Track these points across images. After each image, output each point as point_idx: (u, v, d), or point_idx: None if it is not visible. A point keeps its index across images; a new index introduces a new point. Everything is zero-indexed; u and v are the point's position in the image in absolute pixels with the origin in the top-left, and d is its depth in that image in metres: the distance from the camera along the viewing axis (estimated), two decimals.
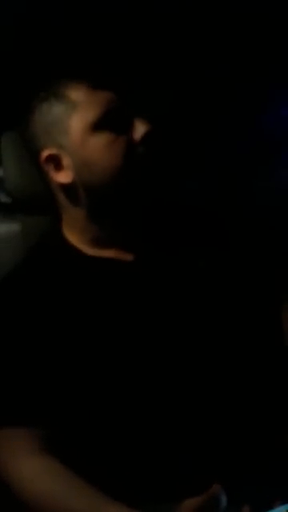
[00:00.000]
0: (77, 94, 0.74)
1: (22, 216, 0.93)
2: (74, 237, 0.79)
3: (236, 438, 0.73)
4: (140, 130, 0.74)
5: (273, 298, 0.82)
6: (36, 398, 0.71)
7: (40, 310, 0.74)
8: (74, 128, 0.73)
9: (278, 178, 1.09)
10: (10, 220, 0.94)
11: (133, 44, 0.95)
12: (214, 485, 0.62)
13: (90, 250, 0.78)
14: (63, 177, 0.75)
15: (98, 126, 0.73)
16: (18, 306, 0.75)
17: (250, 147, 1.09)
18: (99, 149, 0.73)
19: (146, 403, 0.72)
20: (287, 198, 1.05)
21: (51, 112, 0.74)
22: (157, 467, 0.71)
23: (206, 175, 1.07)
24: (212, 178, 1.07)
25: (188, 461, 0.71)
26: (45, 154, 0.75)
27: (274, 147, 1.09)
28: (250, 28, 0.94)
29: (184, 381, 0.73)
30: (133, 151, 0.74)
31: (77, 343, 0.73)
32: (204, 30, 0.94)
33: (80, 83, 0.74)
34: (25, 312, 0.74)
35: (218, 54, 1.02)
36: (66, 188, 0.76)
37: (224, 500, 0.62)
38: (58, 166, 0.75)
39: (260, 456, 0.72)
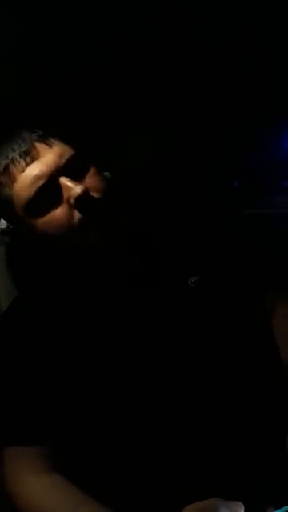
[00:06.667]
0: (6, 191, 0.73)
1: None
2: None
3: (234, 450, 0.73)
4: (71, 196, 0.69)
5: (262, 311, 0.83)
6: (40, 417, 0.73)
7: (43, 332, 0.75)
8: (19, 218, 0.74)
9: (268, 205, 1.14)
10: None
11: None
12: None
13: None
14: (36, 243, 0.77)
15: (33, 211, 0.71)
16: (24, 328, 0.77)
17: (241, 179, 1.13)
18: (43, 229, 0.72)
19: (145, 417, 0.73)
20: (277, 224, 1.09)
21: (2, 210, 0.76)
22: (159, 480, 0.72)
23: (201, 204, 1.12)
24: (206, 206, 1.12)
25: (188, 475, 0.71)
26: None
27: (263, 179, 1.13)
28: (241, 73, 0.97)
29: (183, 396, 0.74)
30: (72, 219, 0.70)
31: (75, 361, 0.74)
32: (197, 77, 0.97)
33: (6, 178, 0.72)
34: (29, 334, 0.76)
35: (214, 98, 1.06)
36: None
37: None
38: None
39: (258, 466, 0.73)
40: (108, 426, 0.73)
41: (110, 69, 0.94)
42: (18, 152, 0.71)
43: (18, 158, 0.71)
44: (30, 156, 0.71)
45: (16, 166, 0.71)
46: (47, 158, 0.71)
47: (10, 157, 0.72)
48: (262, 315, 0.83)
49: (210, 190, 1.14)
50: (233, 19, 0.79)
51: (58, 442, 0.73)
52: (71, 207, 0.70)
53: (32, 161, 0.71)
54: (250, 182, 1.18)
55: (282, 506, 0.61)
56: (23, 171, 0.71)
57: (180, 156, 1.11)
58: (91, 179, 0.72)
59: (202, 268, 0.81)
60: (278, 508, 0.61)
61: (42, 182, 0.70)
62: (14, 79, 0.93)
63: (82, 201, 0.69)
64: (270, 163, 1.17)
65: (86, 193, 0.69)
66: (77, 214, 0.70)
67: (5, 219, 0.81)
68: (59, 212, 0.70)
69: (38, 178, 0.70)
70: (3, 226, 0.99)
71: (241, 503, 0.59)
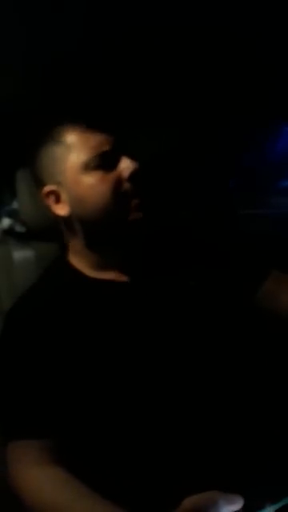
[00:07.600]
0: (71, 137, 0.79)
1: (35, 243, 1.00)
2: (77, 261, 0.85)
3: (233, 443, 0.74)
4: (127, 168, 0.78)
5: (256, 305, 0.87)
6: (44, 411, 0.74)
7: (47, 330, 0.77)
8: (69, 168, 0.79)
9: (265, 206, 1.15)
10: (25, 247, 1.00)
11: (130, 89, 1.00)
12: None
13: (91, 273, 0.83)
14: (61, 210, 0.82)
15: (89, 167, 0.78)
16: (28, 326, 0.79)
17: (237, 180, 1.14)
18: (90, 186, 0.78)
19: (147, 410, 0.74)
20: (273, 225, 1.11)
21: (50, 155, 0.80)
22: (158, 473, 0.73)
23: (198, 205, 1.13)
24: (203, 207, 1.13)
25: (188, 467, 0.72)
26: (46, 189, 0.82)
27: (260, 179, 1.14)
28: (235, 74, 0.98)
29: (184, 392, 0.75)
30: (120, 187, 0.79)
31: (79, 358, 0.76)
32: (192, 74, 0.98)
33: (75, 127, 0.79)
34: (34, 331, 0.78)
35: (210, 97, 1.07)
36: (64, 220, 0.83)
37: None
38: (57, 200, 0.82)
39: (257, 459, 0.74)
40: (110, 418, 0.75)
41: (108, 69, 0.95)
42: (96, 121, 0.81)
43: (95, 124, 0.80)
44: (105, 127, 0.80)
45: (92, 127, 0.80)
46: (115, 137, 0.80)
47: (89, 119, 0.81)
48: (258, 307, 0.86)
49: (206, 190, 1.16)
50: (232, 24, 0.80)
51: (62, 435, 0.74)
52: (120, 180, 0.79)
53: (105, 131, 0.80)
54: (246, 182, 1.19)
55: (280, 500, 0.62)
56: (95, 133, 0.79)
57: (176, 156, 1.12)
58: None
59: (199, 267, 0.84)
60: (276, 501, 0.61)
61: (107, 148, 0.79)
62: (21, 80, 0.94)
63: (134, 175, 0.79)
64: (265, 164, 1.19)
65: (138, 171, 0.79)
66: (125, 185, 0.79)
67: (48, 169, 0.83)
68: (110, 177, 0.79)
69: (105, 143, 0.79)
70: (5, 227, 1.00)
71: (239, 496, 0.60)
